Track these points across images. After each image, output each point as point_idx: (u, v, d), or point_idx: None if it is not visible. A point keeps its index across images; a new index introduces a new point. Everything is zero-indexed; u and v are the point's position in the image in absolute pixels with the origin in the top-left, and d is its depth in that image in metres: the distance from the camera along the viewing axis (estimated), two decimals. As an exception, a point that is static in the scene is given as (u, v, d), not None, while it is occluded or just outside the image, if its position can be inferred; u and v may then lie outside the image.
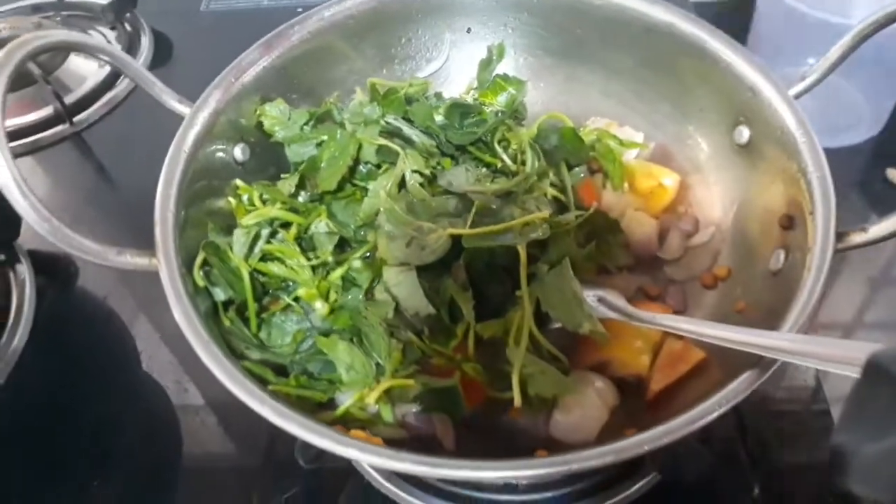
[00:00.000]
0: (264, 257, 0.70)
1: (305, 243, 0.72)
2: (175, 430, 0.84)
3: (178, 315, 0.60)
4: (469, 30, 0.88)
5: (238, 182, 0.74)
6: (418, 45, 0.87)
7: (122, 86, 1.19)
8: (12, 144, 1.08)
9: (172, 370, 0.88)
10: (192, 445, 0.82)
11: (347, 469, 0.76)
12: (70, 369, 0.90)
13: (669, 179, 0.81)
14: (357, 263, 0.67)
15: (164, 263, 0.63)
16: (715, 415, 0.54)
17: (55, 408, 0.86)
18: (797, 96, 0.71)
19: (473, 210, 0.65)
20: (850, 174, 1.01)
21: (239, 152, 0.77)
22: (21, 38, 0.64)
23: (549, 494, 0.73)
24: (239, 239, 0.69)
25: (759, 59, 0.74)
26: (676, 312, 0.74)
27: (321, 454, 0.68)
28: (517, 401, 0.59)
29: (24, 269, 0.94)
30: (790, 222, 0.68)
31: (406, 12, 0.83)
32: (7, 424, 0.83)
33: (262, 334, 0.69)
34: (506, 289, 0.64)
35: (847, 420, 0.38)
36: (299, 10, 1.11)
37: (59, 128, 1.14)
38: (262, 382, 0.61)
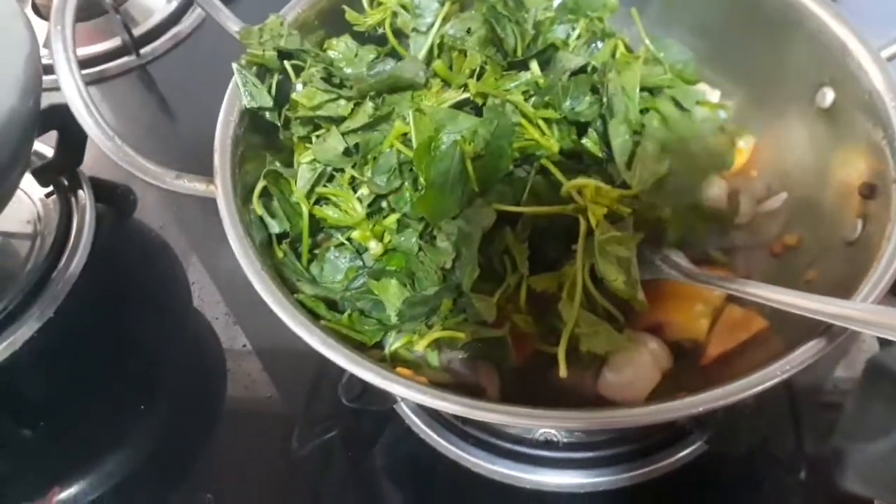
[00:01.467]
0: (318, 200, 0.69)
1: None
2: (221, 364, 0.85)
3: (233, 242, 0.60)
4: None
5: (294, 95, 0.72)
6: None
7: (189, 21, 1.19)
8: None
9: (223, 305, 0.89)
10: (237, 380, 0.84)
11: (388, 413, 0.76)
12: (123, 297, 0.92)
13: (744, 141, 0.78)
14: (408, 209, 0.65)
15: (221, 189, 0.63)
16: (775, 381, 0.52)
17: (107, 332, 0.88)
18: (890, 59, 0.67)
19: (529, 185, 0.62)
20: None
21: (300, 84, 0.76)
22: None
23: (589, 454, 0.72)
24: (304, 174, 0.69)
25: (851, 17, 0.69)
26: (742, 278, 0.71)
27: (364, 393, 0.68)
28: (562, 371, 0.57)
29: (84, 196, 0.95)
30: (871, 191, 0.64)
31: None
32: (61, 344, 0.85)
33: (315, 269, 0.69)
34: (563, 243, 0.62)
35: (848, 420, 0.37)
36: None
37: (126, 59, 1.15)
38: (313, 315, 0.61)
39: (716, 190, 0.74)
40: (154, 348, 0.88)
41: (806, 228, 0.71)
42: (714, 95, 0.80)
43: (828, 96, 0.71)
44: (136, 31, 1.16)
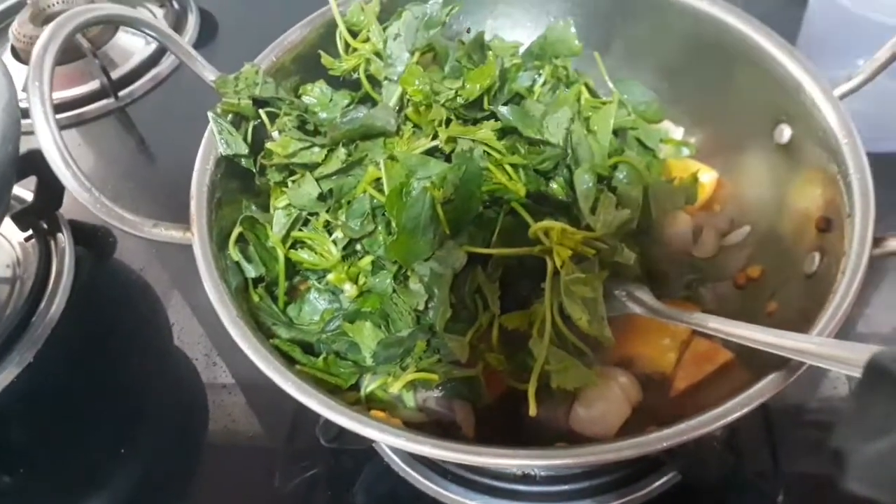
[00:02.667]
0: (294, 244, 0.71)
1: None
2: (202, 403, 0.85)
3: (209, 289, 0.61)
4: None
5: (269, 144, 0.73)
6: (458, 29, 0.86)
7: (167, 63, 1.21)
8: (58, 116, 1.12)
9: (203, 344, 0.90)
10: (218, 419, 0.84)
11: (367, 451, 0.77)
12: (103, 339, 0.92)
13: (706, 176, 0.80)
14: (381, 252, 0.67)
15: (198, 237, 0.64)
16: (737, 415, 0.53)
17: (87, 375, 0.88)
18: (842, 97, 0.70)
19: (498, 226, 0.64)
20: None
21: (276, 132, 0.77)
22: (70, 12, 0.66)
23: (566, 487, 0.73)
24: (280, 220, 0.70)
25: (806, 57, 0.72)
26: (706, 311, 0.72)
27: (341, 434, 0.69)
28: (532, 410, 0.59)
29: (64, 239, 0.96)
30: (827, 225, 0.66)
31: (448, -3, 0.83)
32: (41, 389, 0.85)
33: (293, 311, 0.70)
34: (533, 282, 0.64)
35: (847, 420, 0.38)
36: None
37: (105, 102, 1.16)
38: (289, 360, 0.63)
39: (681, 225, 0.76)
40: (135, 390, 0.88)
41: (768, 261, 0.74)
42: (678, 132, 0.83)
43: (785, 132, 0.74)
44: (116, 74, 1.17)
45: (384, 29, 0.76)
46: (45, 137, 0.60)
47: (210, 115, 0.70)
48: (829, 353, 0.51)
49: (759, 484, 0.76)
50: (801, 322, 0.59)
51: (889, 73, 0.70)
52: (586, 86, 0.78)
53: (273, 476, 0.79)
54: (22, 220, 0.95)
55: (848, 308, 0.58)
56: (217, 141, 0.69)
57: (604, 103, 0.77)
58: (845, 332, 0.83)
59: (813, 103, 0.69)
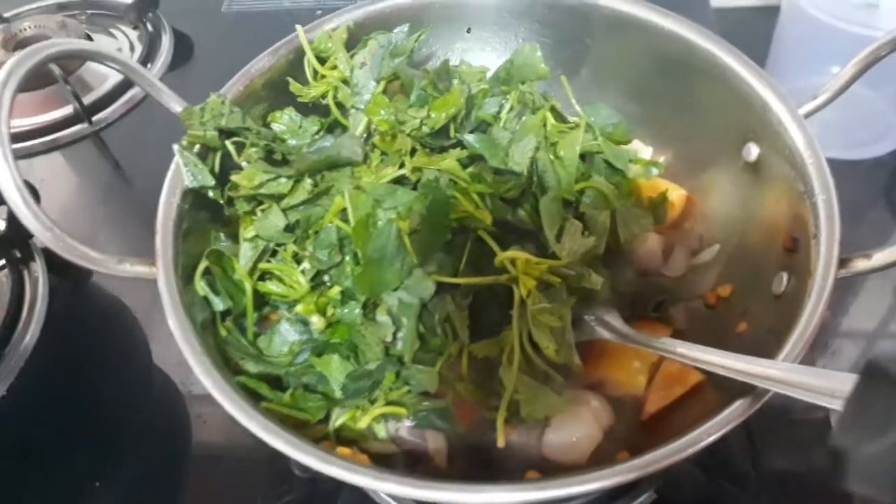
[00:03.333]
0: (262, 276, 0.70)
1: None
2: (184, 426, 0.85)
3: (173, 326, 0.61)
4: (469, 30, 0.87)
5: (234, 177, 0.73)
6: (428, 53, 0.86)
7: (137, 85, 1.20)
8: (32, 143, 1.12)
9: (183, 366, 0.88)
10: (198, 442, 0.84)
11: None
12: (81, 366, 0.91)
13: (676, 194, 0.80)
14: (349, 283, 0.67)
15: (163, 272, 0.64)
16: (703, 444, 0.53)
17: (65, 403, 0.87)
18: (808, 115, 0.70)
19: (466, 254, 0.64)
20: (874, 187, 0.98)
21: (244, 162, 0.77)
22: (33, 47, 0.65)
23: (543, 511, 0.73)
24: (246, 252, 0.70)
25: (780, 73, 0.73)
26: (677, 331, 0.73)
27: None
28: (500, 441, 0.59)
29: (37, 268, 0.95)
30: (794, 244, 0.66)
31: (415, 21, 0.81)
32: (18, 420, 0.84)
33: (263, 342, 0.70)
34: (502, 308, 0.64)
35: (846, 420, 0.38)
36: (318, 11, 1.12)
37: (78, 127, 1.15)
38: (255, 397, 0.62)
39: (651, 245, 0.77)
40: (114, 415, 0.87)
41: (738, 280, 0.74)
42: (647, 152, 0.83)
43: (753, 151, 0.74)
44: (89, 98, 1.17)
45: (351, 57, 0.76)
46: (5, 179, 0.59)
47: (175, 147, 0.70)
48: (793, 379, 0.51)
49: (738, 493, 0.76)
50: (772, 342, 0.59)
51: (861, 81, 0.71)
52: (553, 110, 0.78)
53: (254, 500, 0.79)
54: (-6, 251, 0.94)
55: (814, 331, 0.58)
56: (183, 173, 0.69)
57: (571, 127, 0.77)
58: (823, 343, 0.85)
59: (779, 122, 0.70)
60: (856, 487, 0.35)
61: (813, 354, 0.83)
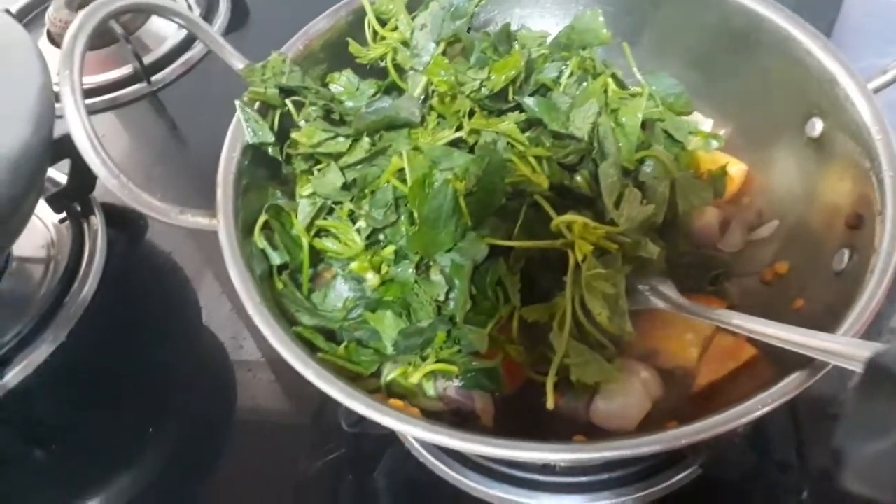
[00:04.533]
0: (319, 233, 0.71)
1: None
2: (230, 384, 0.87)
3: (234, 276, 0.63)
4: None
5: (294, 134, 0.74)
6: (486, 18, 0.86)
7: (199, 48, 1.22)
8: (92, 101, 1.14)
9: (231, 326, 0.91)
10: (245, 400, 0.85)
11: (389, 436, 0.77)
12: (134, 320, 0.94)
13: (735, 168, 0.79)
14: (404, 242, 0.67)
15: (224, 224, 0.65)
16: (756, 414, 0.53)
17: (118, 355, 0.90)
18: (877, 90, 0.68)
19: (521, 218, 0.64)
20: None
21: (303, 121, 0.78)
22: (101, 0, 0.66)
23: (585, 479, 0.74)
24: (304, 208, 0.71)
25: (840, 48, 0.70)
26: (731, 306, 0.72)
27: (363, 419, 0.70)
28: (550, 403, 0.59)
29: (97, 221, 0.98)
30: (858, 221, 0.65)
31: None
32: (73, 368, 0.87)
33: (317, 298, 0.71)
34: (555, 274, 0.64)
35: (849, 420, 0.38)
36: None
37: (137, 86, 1.17)
38: (311, 347, 0.63)
39: (708, 218, 0.76)
40: (164, 370, 0.89)
41: (796, 257, 0.73)
42: (707, 125, 0.81)
43: (817, 126, 0.72)
44: (148, 59, 1.19)
45: (412, 19, 0.76)
46: (76, 126, 0.61)
47: (237, 103, 0.71)
48: (854, 353, 0.50)
49: (783, 479, 0.75)
50: (829, 320, 0.58)
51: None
52: (614, 77, 0.77)
53: (298, 457, 0.80)
54: (56, 203, 0.97)
55: (876, 307, 0.57)
56: (244, 129, 0.70)
57: (632, 95, 0.76)
58: (876, 328, 0.83)
59: (846, 97, 0.68)
60: (856, 487, 0.35)
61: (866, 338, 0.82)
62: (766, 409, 0.53)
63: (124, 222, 1.01)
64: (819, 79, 0.71)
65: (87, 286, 0.93)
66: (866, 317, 0.56)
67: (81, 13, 0.64)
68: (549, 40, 0.81)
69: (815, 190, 0.72)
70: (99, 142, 0.62)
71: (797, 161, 0.75)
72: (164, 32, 1.23)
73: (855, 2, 1.04)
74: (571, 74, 0.75)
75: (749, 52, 0.77)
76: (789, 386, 0.54)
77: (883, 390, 0.36)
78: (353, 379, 0.62)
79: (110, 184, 0.63)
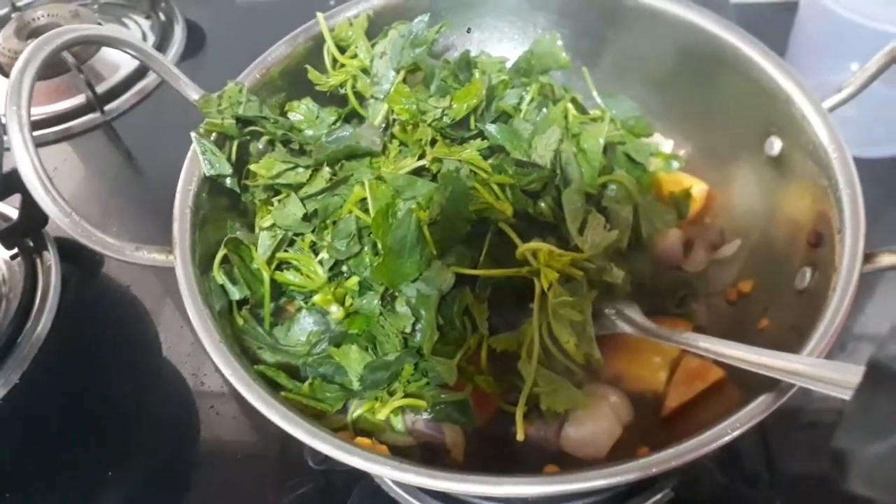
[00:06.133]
0: (279, 265, 0.70)
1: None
2: (193, 420, 0.85)
3: (192, 314, 0.61)
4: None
5: (252, 166, 0.73)
6: (445, 44, 0.86)
7: (153, 76, 1.20)
8: (45, 131, 1.12)
9: (191, 360, 0.89)
10: (209, 437, 0.83)
11: (357, 472, 0.75)
12: (92, 356, 0.91)
13: (697, 188, 0.79)
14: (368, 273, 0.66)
15: (181, 261, 0.63)
16: (727, 439, 0.53)
17: (75, 395, 0.87)
18: (832, 109, 0.69)
19: (486, 246, 0.64)
20: (892, 184, 0.97)
21: (261, 147, 0.77)
22: (50, 33, 0.65)
23: (560, 506, 0.73)
24: (265, 241, 0.70)
25: (794, 66, 0.71)
26: (697, 327, 0.72)
27: (328, 457, 0.68)
28: (520, 434, 0.59)
29: (50, 256, 0.95)
30: (818, 239, 0.66)
31: (432, 10, 0.80)
32: (28, 410, 0.84)
33: (280, 332, 0.69)
34: (521, 301, 0.63)
35: (849, 421, 0.37)
36: (332, 2, 1.11)
37: (91, 116, 1.15)
38: (274, 386, 0.62)
39: (671, 239, 0.76)
40: (124, 407, 0.87)
41: (759, 275, 0.73)
42: (667, 145, 0.82)
43: (775, 145, 0.73)
44: (102, 87, 1.16)
45: (372, 46, 0.75)
46: (25, 165, 0.59)
47: (193, 135, 0.69)
48: (819, 374, 0.51)
49: (755, 493, 0.75)
50: (794, 339, 0.59)
51: (881, 79, 0.70)
52: (574, 101, 0.77)
53: (265, 494, 0.78)
54: (7, 239, 0.94)
55: (839, 326, 0.57)
56: (200, 161, 0.68)
57: (592, 119, 0.76)
58: (840, 342, 0.84)
59: (802, 116, 0.69)
60: (858, 489, 0.35)
61: (829, 355, 0.83)
62: (735, 433, 0.53)
63: (79, 256, 0.98)
64: (775, 98, 0.72)
65: (42, 324, 0.90)
66: (829, 336, 0.57)
67: (29, 47, 0.62)
68: (508, 65, 0.81)
69: (776, 208, 0.73)
70: (49, 180, 0.60)
71: (757, 180, 0.76)
72: (117, 60, 1.20)
73: (808, 19, 1.06)
74: (532, 100, 0.75)
75: (706, 73, 0.78)
76: (758, 408, 0.54)
77: (883, 390, 0.36)
78: (318, 417, 0.60)
79: (62, 223, 0.61)
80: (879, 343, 0.36)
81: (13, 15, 1.22)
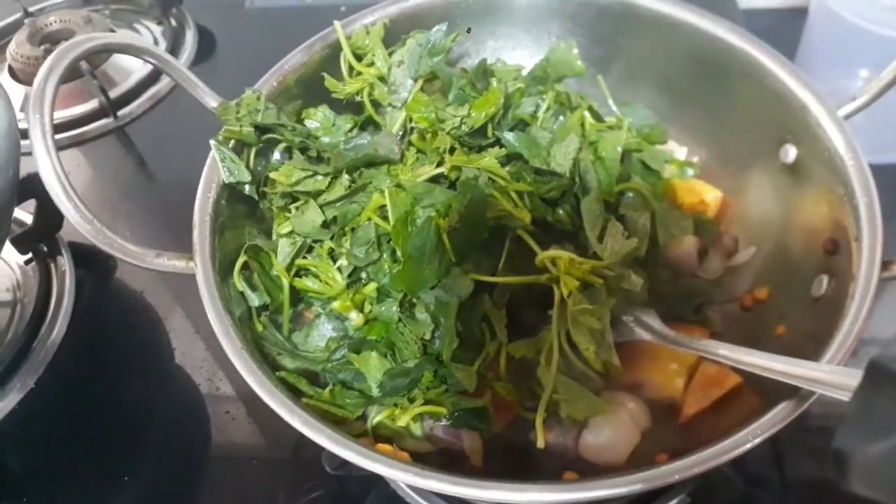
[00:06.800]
0: (298, 272, 0.70)
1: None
2: (206, 425, 0.85)
3: (213, 320, 0.61)
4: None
5: (271, 174, 0.73)
6: (460, 51, 0.86)
7: (166, 81, 1.20)
8: (58, 136, 1.11)
9: (205, 366, 0.89)
10: (222, 441, 0.83)
11: (373, 477, 0.75)
12: (105, 361, 0.91)
13: (711, 196, 0.80)
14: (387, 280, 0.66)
15: (201, 267, 0.63)
16: (747, 447, 0.53)
17: (89, 400, 0.87)
18: (847, 117, 0.69)
19: (504, 253, 0.64)
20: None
21: (278, 154, 0.77)
22: (70, 42, 0.65)
23: (575, 512, 0.73)
24: (284, 248, 0.70)
25: (809, 75, 0.72)
26: (714, 334, 0.72)
27: (347, 462, 0.69)
28: (540, 442, 0.60)
29: (64, 262, 0.95)
30: (834, 247, 0.66)
31: (447, 18, 0.81)
32: (43, 415, 0.84)
33: (299, 338, 0.70)
34: (540, 308, 0.64)
35: (850, 421, 0.38)
36: (343, 8, 1.12)
37: (104, 121, 1.15)
38: (295, 391, 0.62)
39: (686, 246, 0.76)
40: (137, 413, 0.87)
41: (775, 283, 0.73)
42: (681, 153, 0.82)
43: (790, 152, 0.73)
44: (115, 93, 1.16)
45: (389, 55, 0.76)
46: (47, 170, 0.59)
47: (212, 143, 0.69)
48: (840, 381, 0.51)
49: (769, 498, 0.75)
50: (811, 346, 0.59)
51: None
52: (590, 109, 0.78)
53: (277, 498, 0.78)
54: (22, 244, 0.94)
55: (858, 334, 0.58)
56: (220, 169, 0.69)
57: (609, 127, 0.76)
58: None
59: (818, 124, 0.69)
60: (859, 489, 0.35)
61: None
62: (757, 440, 0.53)
63: (93, 262, 0.99)
64: (790, 106, 0.72)
65: (56, 329, 0.90)
66: (849, 344, 0.57)
67: (51, 55, 0.63)
68: (524, 73, 0.81)
69: (791, 216, 0.73)
70: (72, 187, 0.61)
71: (772, 187, 0.76)
72: (129, 66, 1.21)
73: (818, 25, 1.06)
74: (548, 108, 0.75)
75: (720, 80, 0.78)
76: (778, 416, 0.54)
77: (884, 390, 0.36)
78: (338, 423, 0.61)
79: (84, 229, 0.62)
80: (885, 345, 0.36)
81: (26, 21, 1.22)
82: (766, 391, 0.57)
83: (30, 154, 0.61)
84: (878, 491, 0.35)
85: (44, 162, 0.60)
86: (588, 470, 0.63)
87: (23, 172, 0.83)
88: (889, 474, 0.34)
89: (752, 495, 0.76)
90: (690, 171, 0.80)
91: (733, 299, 0.75)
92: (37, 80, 0.61)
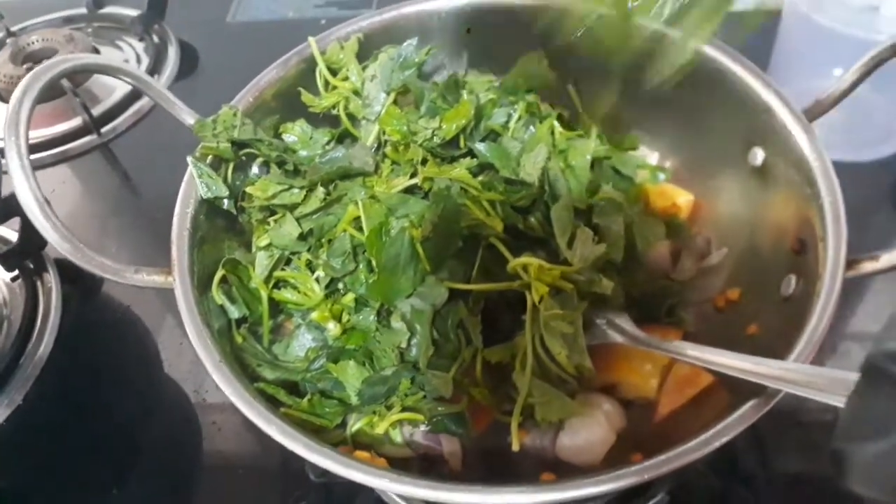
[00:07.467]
0: (277, 283, 0.71)
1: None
2: (195, 436, 0.85)
3: (192, 334, 0.62)
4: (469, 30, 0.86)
5: (248, 188, 0.74)
6: (435, 64, 0.87)
7: (148, 98, 1.21)
8: (42, 154, 1.13)
9: (193, 377, 0.90)
10: (211, 451, 0.84)
11: (358, 485, 0.76)
12: (94, 376, 0.92)
13: (683, 199, 0.81)
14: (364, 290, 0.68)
15: (179, 282, 0.64)
16: (717, 444, 0.54)
17: (78, 414, 0.88)
18: (812, 119, 0.71)
19: (478, 261, 0.65)
20: (879, 189, 0.99)
21: (256, 169, 0.78)
22: (47, 63, 0.66)
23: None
24: (262, 260, 0.71)
25: (784, 77, 0.73)
26: (687, 334, 0.73)
27: (328, 470, 0.70)
28: (515, 444, 0.61)
29: (50, 278, 0.96)
30: (802, 247, 0.67)
31: (422, 30, 0.82)
32: (31, 430, 0.85)
33: (279, 349, 0.71)
34: (514, 313, 0.65)
35: (847, 420, 0.38)
36: (323, 21, 1.13)
37: (88, 138, 1.16)
38: (273, 402, 0.63)
39: (660, 249, 0.77)
40: (126, 425, 0.87)
41: (746, 283, 0.75)
42: (652, 158, 0.84)
43: (758, 155, 0.75)
44: (97, 110, 1.18)
45: (363, 69, 0.77)
46: (24, 191, 0.60)
47: (189, 159, 0.71)
48: (805, 380, 0.52)
49: (750, 494, 0.76)
50: (781, 345, 0.60)
51: (869, 83, 0.71)
52: (560, 118, 0.79)
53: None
54: (7, 261, 0.95)
55: (823, 332, 0.59)
56: (197, 184, 0.70)
57: (579, 134, 0.78)
58: (831, 345, 0.85)
59: (783, 126, 0.70)
60: (857, 489, 0.36)
61: (821, 356, 0.84)
62: (726, 439, 0.54)
63: (79, 278, 0.99)
64: (756, 110, 0.73)
65: (44, 345, 0.91)
66: (814, 342, 0.58)
67: (26, 77, 0.64)
68: (496, 84, 0.82)
69: (761, 217, 0.75)
70: (49, 207, 0.62)
71: (742, 190, 0.77)
72: (112, 83, 1.22)
73: (790, 28, 1.08)
74: (519, 119, 0.76)
75: (689, 86, 0.79)
76: (747, 413, 0.55)
77: (880, 390, 0.36)
78: (318, 432, 0.62)
79: (62, 248, 0.62)
80: (875, 339, 0.37)
81: (8, 40, 1.23)
82: (738, 389, 0.58)
83: (13, 172, 0.62)
84: (877, 490, 0.35)
85: (20, 183, 0.61)
86: (566, 471, 0.64)
87: (6, 191, 0.84)
88: (887, 473, 0.35)
89: (734, 492, 0.77)
90: (662, 176, 0.82)
91: (706, 300, 0.76)
92: (11, 102, 0.62)
